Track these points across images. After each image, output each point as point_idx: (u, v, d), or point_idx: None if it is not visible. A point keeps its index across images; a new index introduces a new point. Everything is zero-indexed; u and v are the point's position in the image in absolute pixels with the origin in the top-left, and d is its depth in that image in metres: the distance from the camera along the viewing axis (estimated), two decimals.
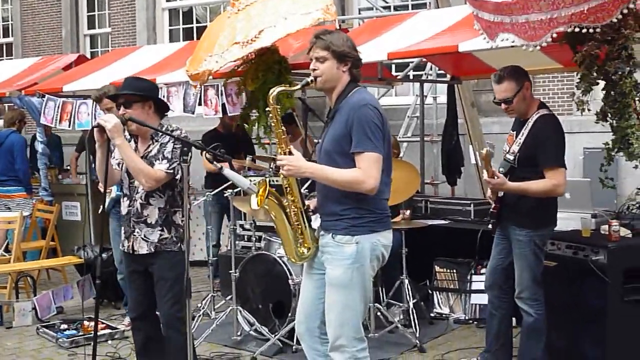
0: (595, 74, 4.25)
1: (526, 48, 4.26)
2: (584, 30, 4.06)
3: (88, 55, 12.96)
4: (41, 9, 15.01)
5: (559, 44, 4.37)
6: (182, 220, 4.33)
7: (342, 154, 3.61)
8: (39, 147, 9.12)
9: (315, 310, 3.83)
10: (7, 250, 8.20)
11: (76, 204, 9.48)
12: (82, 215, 9.37)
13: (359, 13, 11.23)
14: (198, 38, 12.08)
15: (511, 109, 4.65)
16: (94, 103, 7.96)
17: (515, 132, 4.74)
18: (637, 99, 4.42)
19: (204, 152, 4.16)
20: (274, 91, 3.75)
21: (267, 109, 3.77)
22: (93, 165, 7.60)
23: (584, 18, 3.98)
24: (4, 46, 16.02)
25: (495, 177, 4.48)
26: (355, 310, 3.67)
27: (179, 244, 4.33)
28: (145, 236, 4.31)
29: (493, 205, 4.77)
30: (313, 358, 3.91)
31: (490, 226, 4.96)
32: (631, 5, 3.91)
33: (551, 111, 4.74)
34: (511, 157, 4.68)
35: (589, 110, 4.41)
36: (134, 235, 4.34)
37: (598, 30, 4.00)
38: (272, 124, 3.76)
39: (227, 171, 3.89)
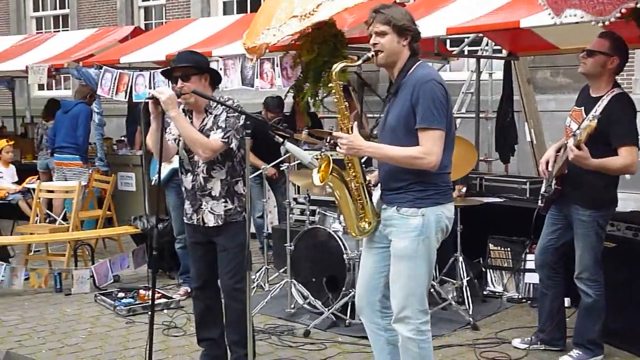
0: None
1: (595, 23, 4.17)
2: None
3: (142, 27, 13.07)
4: None
5: (624, 21, 4.27)
6: (244, 190, 4.39)
7: (407, 130, 3.61)
8: (96, 118, 9.28)
9: (377, 283, 3.86)
10: (64, 218, 8.41)
11: (131, 174, 9.64)
12: (137, 186, 9.53)
13: None
14: (251, 10, 12.21)
15: (585, 62, 4.54)
16: (152, 73, 8.06)
17: (583, 108, 4.64)
18: None
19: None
20: (337, 66, 3.73)
21: (330, 84, 3.77)
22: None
23: None
24: (60, 18, 16.26)
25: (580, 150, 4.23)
26: (420, 282, 3.70)
27: (243, 214, 4.40)
28: (212, 209, 4.40)
29: (555, 181, 4.68)
30: (373, 331, 3.94)
31: (541, 204, 4.89)
32: None
33: (625, 91, 4.62)
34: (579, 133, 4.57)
35: None
36: (201, 208, 4.42)
37: None
38: (335, 100, 3.75)
39: (289, 145, 3.91)
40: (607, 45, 4.49)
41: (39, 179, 9.12)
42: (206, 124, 4.34)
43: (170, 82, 4.51)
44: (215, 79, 4.48)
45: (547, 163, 4.78)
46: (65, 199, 8.52)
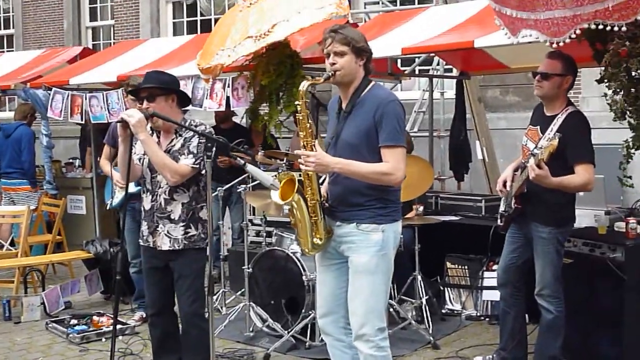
0: (622, 72, 4.22)
1: (549, 44, 4.22)
2: (608, 28, 4.02)
3: (90, 47, 12.88)
4: (43, 1, 14.93)
5: (577, 41, 4.33)
6: (207, 216, 4.32)
7: (369, 147, 3.69)
8: (44, 140, 9.08)
9: (338, 300, 3.88)
10: (12, 244, 8.19)
11: (81, 197, 9.47)
12: (87, 209, 9.35)
13: (365, 8, 11.19)
14: (202, 31, 12.17)
15: (541, 85, 4.60)
16: (105, 95, 7.92)
17: (539, 128, 4.69)
18: None
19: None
20: (304, 85, 3.76)
21: (297, 102, 3.77)
22: (98, 159, 7.56)
23: (608, 15, 3.93)
24: (5, 38, 15.92)
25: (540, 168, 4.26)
26: (380, 297, 3.76)
27: (206, 240, 4.32)
28: (168, 232, 4.30)
29: (514, 200, 4.71)
30: (339, 350, 3.95)
31: (500, 222, 4.92)
32: None
33: (578, 109, 4.71)
34: (539, 152, 4.63)
35: (617, 109, 4.38)
36: (157, 230, 4.32)
37: (623, 28, 3.96)
38: (301, 118, 3.74)
39: (250, 167, 3.87)
40: (560, 66, 4.58)
41: None
42: (174, 145, 4.27)
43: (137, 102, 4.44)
44: (183, 100, 4.41)
45: (505, 182, 4.81)
46: (13, 224, 8.30)
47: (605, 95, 4.47)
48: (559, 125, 4.54)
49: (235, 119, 8.32)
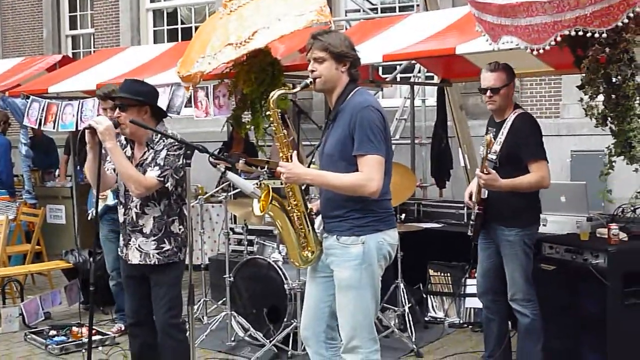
0: (600, 78, 4.22)
1: (530, 51, 4.22)
2: (588, 35, 4.02)
3: (70, 56, 12.80)
4: (22, 9, 14.82)
5: (558, 47, 4.33)
6: (179, 229, 4.27)
7: (345, 157, 3.58)
8: (22, 149, 9.00)
9: (321, 314, 3.79)
10: None
11: (61, 207, 9.37)
12: (67, 219, 9.25)
13: (346, 15, 11.19)
14: (182, 39, 12.10)
15: (494, 99, 4.69)
16: (81, 103, 7.85)
17: (491, 135, 4.73)
18: (637, 102, 4.41)
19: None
20: (275, 94, 3.68)
21: (268, 112, 3.71)
22: (79, 168, 7.49)
23: (588, 22, 3.94)
24: None
25: (487, 173, 4.44)
26: (367, 311, 3.65)
27: (178, 254, 4.26)
28: (139, 246, 4.23)
29: (477, 207, 4.75)
30: None
31: (470, 233, 4.91)
32: (637, 9, 3.88)
33: (526, 111, 4.88)
34: (494, 157, 4.68)
35: (598, 114, 4.37)
36: (129, 244, 4.27)
37: (604, 35, 3.96)
38: (273, 128, 3.69)
39: (230, 175, 3.82)
40: (504, 77, 4.70)
41: None
42: (146, 158, 4.19)
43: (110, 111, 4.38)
44: (158, 113, 4.31)
45: (471, 194, 4.85)
46: None
47: (582, 100, 4.46)
48: (509, 127, 4.64)
49: (217, 127, 8.26)
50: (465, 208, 6.80)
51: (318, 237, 3.76)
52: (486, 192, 4.66)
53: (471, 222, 4.88)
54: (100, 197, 5.76)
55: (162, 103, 7.25)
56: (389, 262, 3.76)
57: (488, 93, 4.69)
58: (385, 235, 3.66)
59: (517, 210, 4.65)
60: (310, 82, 3.66)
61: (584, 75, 4.41)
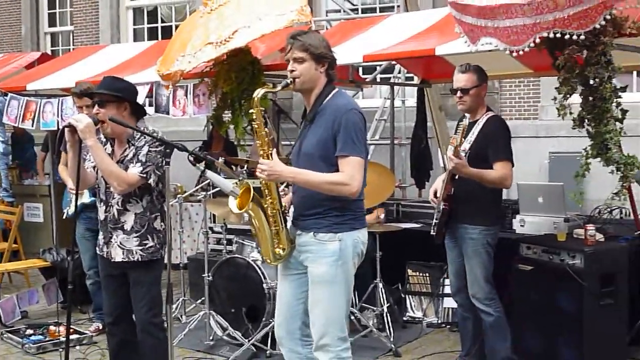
0: (575, 78, 4.27)
1: (509, 52, 4.25)
2: (567, 37, 4.06)
3: (49, 53, 12.69)
4: (0, 6, 14.67)
5: (537, 49, 4.37)
6: (161, 226, 4.25)
7: (325, 157, 3.61)
8: (0, 146, 8.89)
9: (295, 311, 3.81)
10: None
11: (39, 205, 9.29)
12: (45, 217, 9.17)
13: (326, 15, 11.19)
14: (163, 38, 12.04)
15: (464, 100, 4.78)
16: (61, 100, 7.79)
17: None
18: (614, 104, 4.46)
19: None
20: (259, 93, 3.68)
21: (251, 110, 3.70)
22: (56, 166, 7.43)
23: (567, 24, 3.99)
24: None
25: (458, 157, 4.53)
26: (339, 308, 3.69)
27: (161, 251, 4.25)
28: (121, 243, 4.21)
29: (442, 204, 4.80)
30: None
31: (433, 233, 4.96)
32: (614, 11, 3.93)
33: (497, 114, 4.97)
34: (463, 155, 4.71)
35: (570, 113, 4.42)
36: (111, 242, 4.24)
37: (582, 37, 4.00)
38: (256, 126, 3.69)
39: (210, 173, 3.81)
40: (474, 78, 4.76)
41: None
42: (127, 155, 4.17)
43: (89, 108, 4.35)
44: (137, 110, 4.28)
45: (435, 192, 4.92)
46: None
47: (555, 99, 4.50)
48: (480, 127, 4.72)
49: (197, 126, 8.26)
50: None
51: (290, 234, 3.78)
52: (452, 189, 4.75)
53: (435, 221, 4.94)
54: (74, 194, 5.72)
55: (141, 101, 7.24)
56: (361, 259, 3.80)
57: (458, 94, 4.77)
58: (359, 233, 3.73)
59: (482, 208, 4.73)
60: (290, 81, 3.67)
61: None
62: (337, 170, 3.58)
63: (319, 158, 3.62)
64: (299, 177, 3.63)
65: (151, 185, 4.16)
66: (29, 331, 6.08)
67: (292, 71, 3.65)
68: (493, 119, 4.82)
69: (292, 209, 3.88)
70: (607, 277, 4.86)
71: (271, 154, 3.64)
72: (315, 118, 3.68)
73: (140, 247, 4.20)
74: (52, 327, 6.05)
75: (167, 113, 7.18)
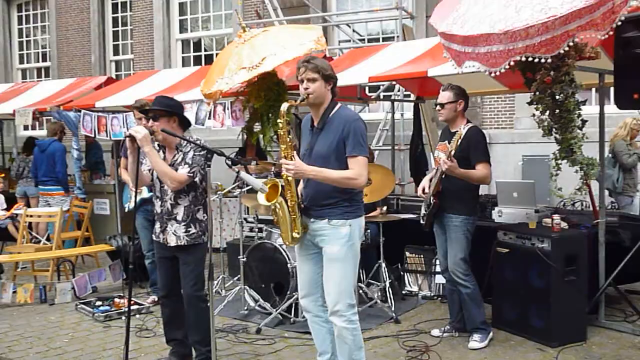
0: (547, 97, 4.24)
1: (488, 73, 4.22)
2: (536, 60, 4.03)
3: (114, 77, 12.76)
4: (74, 39, 14.76)
5: (511, 71, 4.34)
6: (203, 216, 4.28)
7: (338, 157, 3.68)
8: (74, 153, 8.94)
9: (316, 282, 3.87)
10: (48, 239, 8.05)
11: (106, 200, 9.32)
12: (111, 210, 9.23)
13: (339, 44, 11.16)
14: (206, 64, 12.06)
15: (441, 112, 4.86)
16: (125, 115, 7.84)
17: (447, 141, 4.87)
18: (577, 115, 4.42)
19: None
20: (285, 106, 3.72)
21: (279, 120, 3.72)
22: (118, 168, 7.45)
23: (536, 49, 3.95)
24: (42, 69, 15.73)
25: (452, 161, 4.58)
26: (349, 279, 3.73)
27: (202, 237, 4.26)
28: (175, 231, 4.25)
29: (432, 198, 4.85)
30: (317, 324, 3.95)
31: (422, 221, 4.99)
32: (576, 39, 3.89)
33: (475, 125, 5.00)
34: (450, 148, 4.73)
35: (545, 126, 4.39)
36: (167, 230, 4.28)
37: (549, 60, 3.96)
38: (282, 133, 3.70)
39: (243, 174, 3.80)
40: (450, 95, 4.83)
41: (29, 205, 8.75)
42: (177, 159, 4.22)
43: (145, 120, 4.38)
44: (184, 122, 4.33)
45: (424, 189, 4.97)
46: (49, 223, 8.17)
47: (534, 115, 4.48)
48: (463, 136, 4.73)
49: (232, 136, 8.24)
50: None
51: (303, 222, 3.80)
52: (441, 186, 4.80)
53: (423, 213, 4.98)
54: (137, 192, 5.75)
55: (191, 116, 7.28)
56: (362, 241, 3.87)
57: (437, 107, 4.87)
58: (362, 220, 3.80)
59: (463, 201, 4.79)
60: (305, 97, 3.71)
61: (533, 94, 4.43)
62: (346, 167, 3.65)
63: (332, 157, 3.68)
64: (320, 174, 3.65)
65: (197, 183, 4.19)
66: (98, 303, 6.12)
67: (306, 89, 3.70)
68: (473, 129, 4.84)
69: None
70: (570, 258, 4.83)
71: (292, 156, 3.67)
72: (324, 127, 3.73)
73: (186, 234, 4.23)
74: (116, 300, 6.09)
75: (203, 125, 7.19)
